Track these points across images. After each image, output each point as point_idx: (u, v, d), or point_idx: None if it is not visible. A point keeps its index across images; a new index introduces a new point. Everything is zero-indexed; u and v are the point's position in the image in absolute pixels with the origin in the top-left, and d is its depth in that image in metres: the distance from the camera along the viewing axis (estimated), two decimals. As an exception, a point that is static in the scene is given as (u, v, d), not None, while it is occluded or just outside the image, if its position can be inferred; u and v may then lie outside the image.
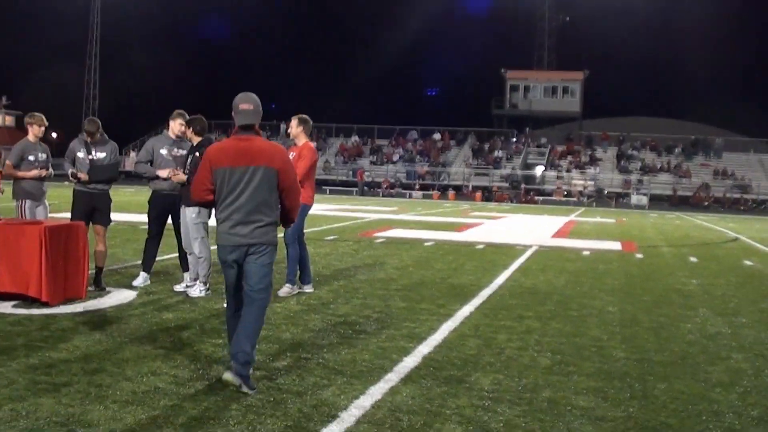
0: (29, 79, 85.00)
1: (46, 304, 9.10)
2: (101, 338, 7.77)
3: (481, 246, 18.96)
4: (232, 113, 6.54)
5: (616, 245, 20.95)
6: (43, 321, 8.42)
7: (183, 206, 10.16)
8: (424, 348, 7.94)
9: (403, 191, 61.38)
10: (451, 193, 59.04)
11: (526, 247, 19.02)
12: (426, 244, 18.79)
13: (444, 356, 7.66)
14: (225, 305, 7.07)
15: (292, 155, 10.78)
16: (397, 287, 11.74)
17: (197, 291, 10.19)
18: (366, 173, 64.36)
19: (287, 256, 10.98)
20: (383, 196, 59.20)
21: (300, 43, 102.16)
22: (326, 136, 75.85)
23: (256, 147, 6.44)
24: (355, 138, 74.45)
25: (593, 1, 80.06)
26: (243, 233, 6.36)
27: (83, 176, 10.53)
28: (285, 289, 10.81)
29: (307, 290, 10.97)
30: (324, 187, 59.96)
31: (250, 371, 6.36)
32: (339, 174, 67.93)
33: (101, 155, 10.71)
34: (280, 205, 6.58)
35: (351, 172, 66.97)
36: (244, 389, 6.16)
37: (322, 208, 34.51)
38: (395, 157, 70.00)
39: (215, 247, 6.69)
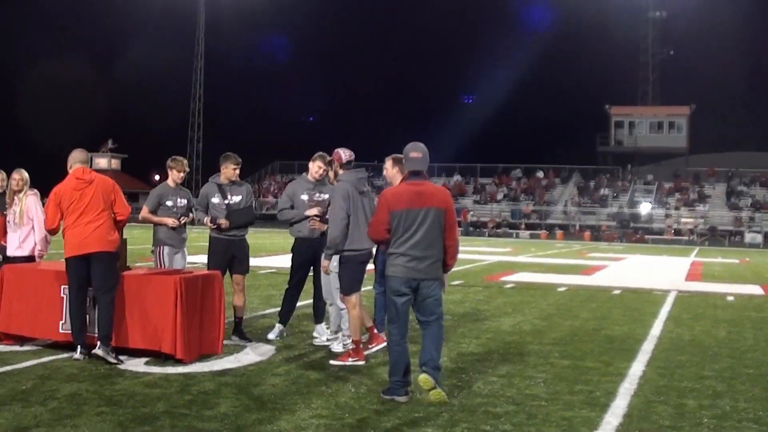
0: (134, 122, 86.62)
1: (180, 362, 8.35)
2: (249, 404, 6.94)
3: (617, 291, 17.84)
4: (402, 160, 7.80)
5: (756, 289, 19.56)
6: (182, 382, 7.65)
7: (324, 256, 9.25)
8: (612, 418, 6.92)
9: (510, 231, 60.07)
10: (559, 232, 57.49)
11: (665, 292, 17.82)
12: (559, 289, 17.74)
13: (638, 429, 6.66)
14: (392, 337, 7.42)
15: None
16: (551, 341, 10.74)
17: (340, 346, 9.32)
18: (470, 213, 63.23)
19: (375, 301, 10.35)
20: (489, 236, 57.99)
21: (399, 82, 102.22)
22: (429, 175, 74.88)
23: (428, 190, 7.40)
24: (457, 177, 73.53)
25: (697, 34, 78.12)
26: (419, 268, 7.23)
27: (224, 223, 9.83)
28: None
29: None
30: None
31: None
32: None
33: (237, 198, 9.98)
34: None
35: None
36: (437, 388, 7.11)
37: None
38: (499, 196, 68.76)
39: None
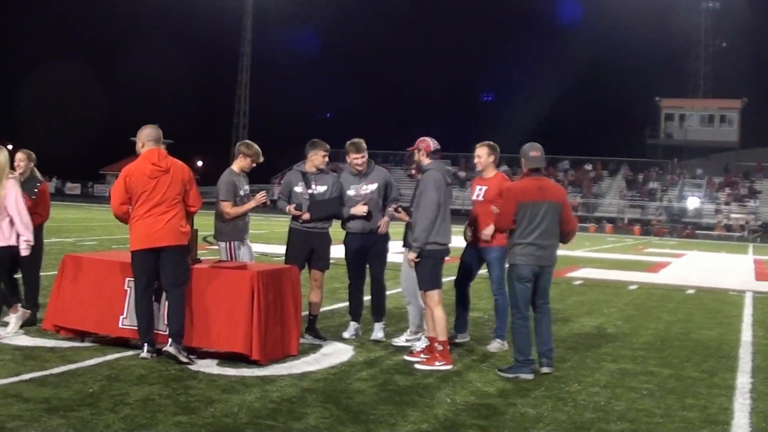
0: (178, 108, 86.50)
1: (255, 363, 7.72)
2: (340, 415, 6.30)
3: (691, 291, 17.03)
4: (521, 158, 8.25)
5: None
6: (261, 387, 7.03)
7: (411, 248, 8.56)
8: (742, 441, 6.20)
9: (558, 223, 58.98)
10: (608, 226, 56.36)
11: (740, 293, 17.02)
12: (630, 287, 16.97)
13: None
14: (516, 320, 8.09)
15: (482, 189, 9.25)
16: (641, 346, 10.04)
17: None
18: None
19: (496, 308, 9.49)
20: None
21: (446, 72, 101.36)
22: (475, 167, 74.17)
23: (548, 185, 8.22)
24: (504, 168, 72.58)
25: (751, 26, 76.40)
26: (545, 255, 8.07)
27: (306, 215, 9.17)
28: (496, 345, 9.31)
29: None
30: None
31: None
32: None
33: (322, 189, 9.29)
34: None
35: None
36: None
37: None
38: (546, 188, 67.70)
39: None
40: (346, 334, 9.41)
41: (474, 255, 9.47)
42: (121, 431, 5.67)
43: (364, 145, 9.26)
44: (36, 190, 9.37)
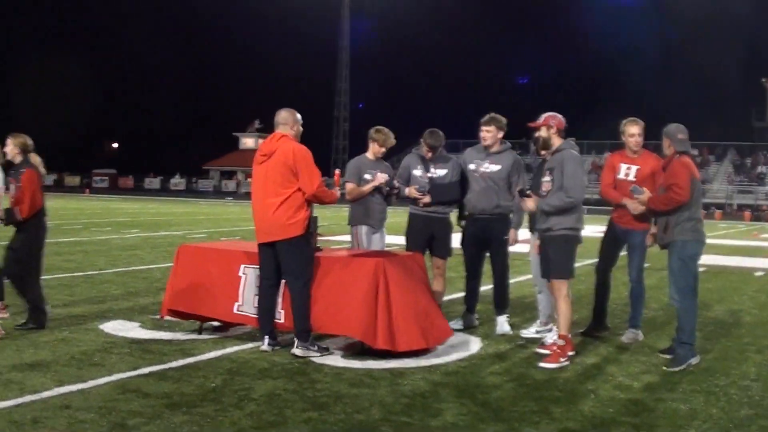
0: (280, 104, 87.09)
1: (383, 355, 7.27)
2: (478, 411, 5.83)
3: (822, 276, 16.04)
4: (665, 140, 7.75)
5: None
6: (390, 380, 6.61)
7: (534, 232, 7.99)
8: None
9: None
10: (717, 212, 54.57)
11: None
12: (756, 274, 16.08)
13: None
14: (692, 303, 7.75)
15: (634, 168, 8.60)
16: (785, 334, 9.31)
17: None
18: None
19: (634, 296, 8.92)
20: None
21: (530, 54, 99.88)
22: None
23: (696, 164, 7.92)
24: (607, 154, 71.10)
25: None
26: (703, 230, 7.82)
27: (425, 199, 8.73)
28: (630, 335, 8.74)
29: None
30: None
31: None
32: (594, 192, 64.77)
33: (441, 172, 8.84)
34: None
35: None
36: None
37: (595, 230, 32.06)
38: (649, 174, 66.09)
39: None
40: (455, 325, 8.74)
41: (615, 238, 8.90)
42: (249, 429, 5.31)
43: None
44: (20, 177, 8.41)
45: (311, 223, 7.58)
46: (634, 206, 8.26)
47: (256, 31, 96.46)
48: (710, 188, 62.82)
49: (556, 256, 7.66)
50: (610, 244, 8.93)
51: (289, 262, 7.46)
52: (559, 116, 7.85)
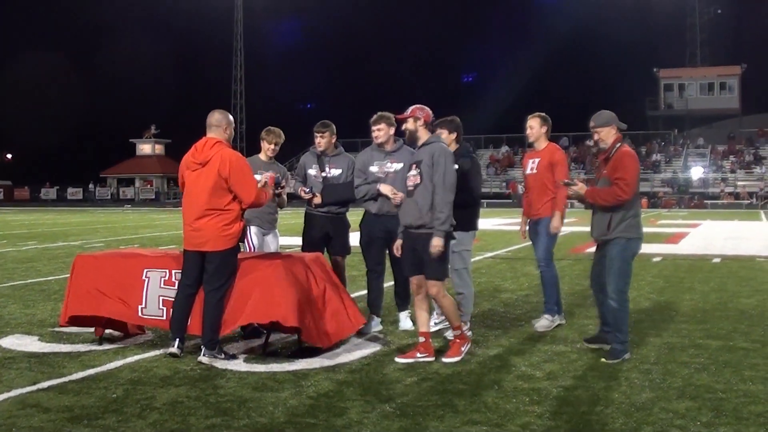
0: (175, 107, 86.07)
1: (287, 358, 7.37)
2: (383, 408, 5.86)
3: (717, 260, 16.63)
4: (606, 127, 7.45)
5: None
6: (294, 382, 6.60)
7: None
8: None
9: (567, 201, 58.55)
10: (614, 200, 55.79)
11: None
12: (654, 260, 16.46)
13: None
14: (625, 302, 7.47)
15: (536, 161, 8.83)
16: (681, 319, 9.68)
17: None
18: (520, 185, 61.74)
19: (545, 281, 9.11)
20: (541, 206, 56.56)
21: (445, 50, 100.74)
22: (475, 147, 73.83)
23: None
24: (505, 148, 72.09)
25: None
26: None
27: (316, 199, 8.76)
28: (544, 322, 8.91)
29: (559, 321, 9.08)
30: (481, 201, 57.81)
31: None
32: (492, 186, 65.70)
33: (336, 172, 8.88)
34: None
35: (504, 184, 64.72)
36: None
37: (497, 223, 32.55)
38: (549, 166, 67.24)
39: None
40: (367, 330, 8.61)
41: (533, 231, 9.15)
42: (152, 438, 5.25)
43: (386, 115, 8.50)
44: None
45: (243, 234, 7.56)
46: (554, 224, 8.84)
47: (152, 33, 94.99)
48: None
49: (443, 256, 7.36)
50: (533, 238, 9.22)
51: (214, 273, 7.37)
52: (427, 108, 7.64)
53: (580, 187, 7.60)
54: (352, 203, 8.96)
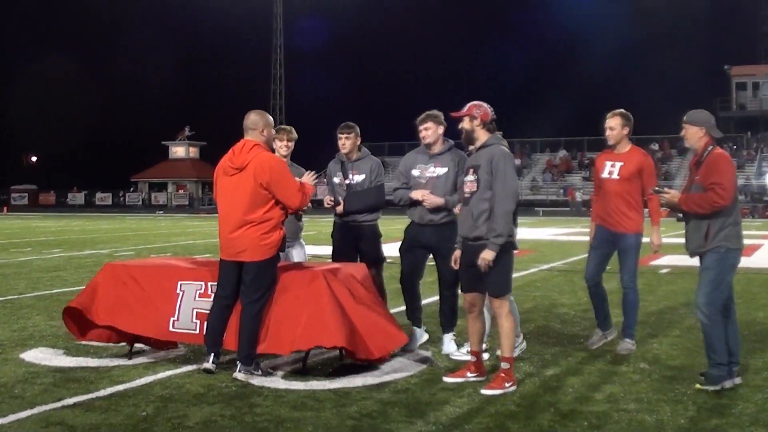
0: (212, 108, 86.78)
1: (327, 376, 7.40)
2: (430, 430, 5.86)
3: (794, 274, 16.36)
4: (694, 127, 7.07)
5: None
6: (335, 401, 6.62)
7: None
8: None
9: (624, 209, 58.18)
10: (681, 209, 55.27)
11: None
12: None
13: None
14: (717, 318, 7.22)
15: (617, 165, 8.66)
16: (757, 337, 9.72)
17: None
18: (578, 191, 61.43)
19: (627, 304, 8.91)
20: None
21: (500, 54, 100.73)
22: (531, 151, 73.71)
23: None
24: (563, 152, 71.79)
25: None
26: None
27: (339, 208, 8.77)
28: (627, 346, 8.70)
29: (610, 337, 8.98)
30: (536, 208, 57.73)
31: None
32: (548, 193, 65.49)
33: (359, 178, 8.84)
34: None
35: (562, 191, 64.45)
36: None
37: (553, 232, 32.36)
38: (610, 171, 66.87)
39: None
40: (411, 346, 8.55)
41: (607, 241, 8.86)
42: (183, 460, 5.29)
43: (434, 114, 8.43)
44: None
45: (283, 243, 7.59)
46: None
47: (186, 30, 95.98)
48: (673, 184, 63.68)
49: (499, 271, 7.15)
50: (600, 248, 8.91)
51: (252, 284, 7.42)
52: (485, 105, 7.36)
53: (673, 195, 7.22)
54: (381, 209, 8.96)
